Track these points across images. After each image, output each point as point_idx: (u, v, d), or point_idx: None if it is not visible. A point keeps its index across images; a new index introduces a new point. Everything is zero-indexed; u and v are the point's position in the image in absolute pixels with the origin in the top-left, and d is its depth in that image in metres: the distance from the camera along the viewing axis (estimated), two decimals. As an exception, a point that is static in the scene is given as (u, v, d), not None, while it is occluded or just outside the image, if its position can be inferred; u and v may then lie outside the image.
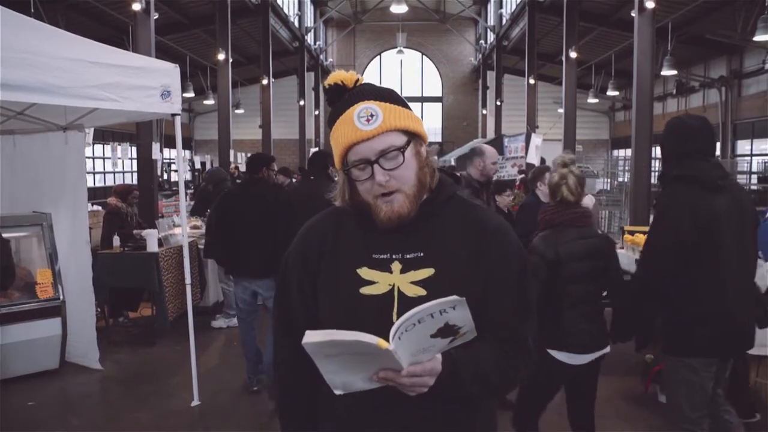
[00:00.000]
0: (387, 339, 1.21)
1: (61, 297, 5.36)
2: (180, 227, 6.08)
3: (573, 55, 14.77)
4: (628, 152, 15.11)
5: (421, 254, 1.43)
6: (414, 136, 1.43)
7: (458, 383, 1.34)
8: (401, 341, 1.21)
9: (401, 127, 1.41)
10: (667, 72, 16.34)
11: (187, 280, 4.93)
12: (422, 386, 1.29)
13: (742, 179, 13.12)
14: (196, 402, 4.74)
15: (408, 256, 1.43)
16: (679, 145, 2.87)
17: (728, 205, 2.75)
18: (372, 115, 1.39)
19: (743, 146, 18.05)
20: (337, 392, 1.30)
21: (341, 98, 1.46)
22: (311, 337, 1.22)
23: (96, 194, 16.64)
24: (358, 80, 1.47)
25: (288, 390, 1.61)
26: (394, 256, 1.43)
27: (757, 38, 11.77)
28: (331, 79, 1.48)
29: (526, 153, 14.47)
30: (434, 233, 1.45)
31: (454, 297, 1.22)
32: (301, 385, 1.57)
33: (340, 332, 1.22)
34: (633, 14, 10.22)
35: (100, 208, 9.51)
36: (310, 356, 1.24)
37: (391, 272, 1.42)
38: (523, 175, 10.46)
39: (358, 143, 1.39)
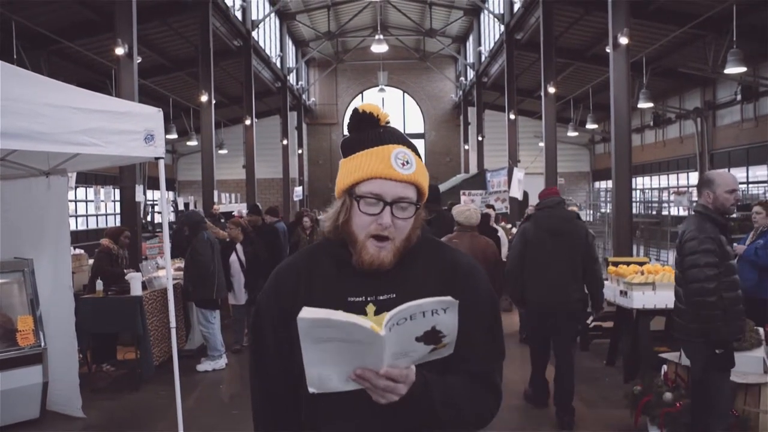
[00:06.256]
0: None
1: (43, 344, 5.26)
2: (164, 269, 6.03)
3: (551, 90, 15.04)
4: (610, 184, 15.30)
5: (394, 296, 1.44)
6: (421, 198, 1.48)
7: (428, 402, 1.34)
8: (390, 334, 1.21)
9: (421, 185, 1.46)
10: (643, 104, 16.68)
11: (172, 323, 4.86)
12: (394, 393, 1.28)
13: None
14: (181, 448, 4.64)
15: (381, 298, 1.45)
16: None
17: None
18: (407, 162, 1.44)
19: (721, 175, 18.33)
20: (311, 390, 1.29)
21: (367, 130, 1.48)
22: (308, 313, 1.20)
23: (78, 238, 16.45)
24: (388, 122, 1.51)
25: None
26: (368, 299, 1.45)
27: (728, 71, 12.12)
28: (367, 107, 1.49)
29: (509, 187, 14.60)
30: (406, 275, 1.47)
31: (449, 298, 1.23)
32: (278, 426, 1.58)
33: (336, 312, 1.21)
34: (608, 50, 10.47)
35: (83, 251, 9.40)
36: (300, 336, 1.21)
37: (365, 314, 1.43)
38: (507, 211, 10.51)
39: (388, 180, 1.41)
